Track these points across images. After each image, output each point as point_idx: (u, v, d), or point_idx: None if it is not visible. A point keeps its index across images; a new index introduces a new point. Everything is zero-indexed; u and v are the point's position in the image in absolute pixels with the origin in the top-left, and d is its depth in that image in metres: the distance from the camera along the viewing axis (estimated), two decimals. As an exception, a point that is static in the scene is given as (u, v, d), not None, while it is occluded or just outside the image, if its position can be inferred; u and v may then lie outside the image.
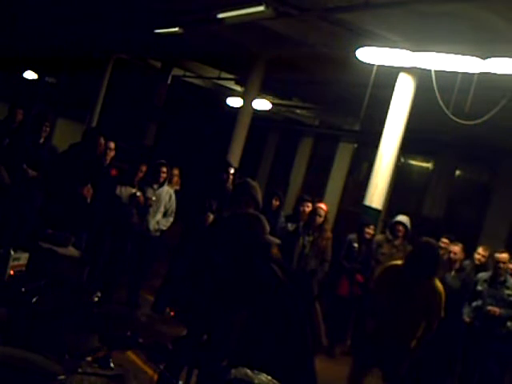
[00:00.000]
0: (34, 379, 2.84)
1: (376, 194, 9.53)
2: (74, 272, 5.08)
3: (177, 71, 17.32)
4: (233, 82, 16.15)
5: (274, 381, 2.79)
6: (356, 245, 9.04)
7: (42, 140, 8.03)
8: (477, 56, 7.75)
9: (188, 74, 17.27)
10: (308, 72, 12.28)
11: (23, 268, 4.29)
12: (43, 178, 7.57)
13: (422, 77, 9.14)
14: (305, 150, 18.57)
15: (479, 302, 7.94)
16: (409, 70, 9.28)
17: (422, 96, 9.19)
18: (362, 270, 8.83)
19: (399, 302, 5.91)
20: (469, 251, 8.63)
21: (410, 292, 5.88)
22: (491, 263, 8.23)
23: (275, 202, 8.59)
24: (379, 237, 9.06)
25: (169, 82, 17.60)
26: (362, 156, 16.23)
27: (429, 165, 14.83)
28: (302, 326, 3.30)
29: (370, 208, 9.56)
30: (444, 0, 7.11)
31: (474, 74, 8.12)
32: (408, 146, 10.42)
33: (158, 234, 8.50)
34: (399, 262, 6.16)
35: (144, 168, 8.33)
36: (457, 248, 8.26)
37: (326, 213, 8.51)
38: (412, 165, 15.28)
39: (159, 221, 8.45)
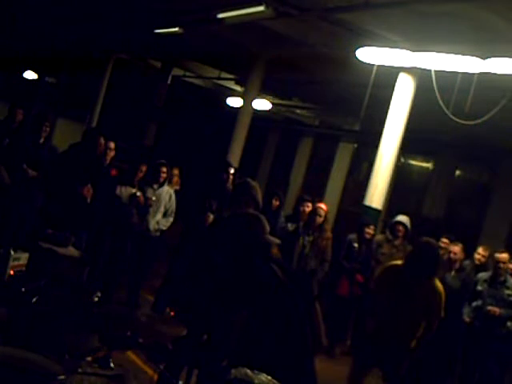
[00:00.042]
0: (34, 379, 2.84)
1: (376, 194, 9.53)
2: (74, 272, 5.08)
3: (177, 71, 17.32)
4: (233, 82, 16.15)
5: (274, 381, 2.79)
6: (356, 245, 9.04)
7: (42, 140, 8.02)
8: (477, 56, 7.75)
9: (188, 73, 17.27)
10: (308, 72, 12.28)
11: (23, 268, 4.29)
12: (43, 178, 7.57)
13: (422, 77, 9.14)
14: (305, 150, 18.57)
15: (479, 302, 7.94)
16: (409, 70, 9.28)
17: (422, 96, 9.19)
18: (362, 270, 8.83)
19: (399, 301, 5.91)
20: (469, 251, 8.63)
21: (410, 292, 5.88)
22: (491, 263, 8.23)
23: (275, 202, 8.59)
24: (379, 237, 9.06)
25: (169, 82, 17.60)
26: (362, 156, 16.22)
27: (429, 165, 14.83)
28: (302, 326, 3.30)
29: (369, 208, 9.56)
30: (444, 0, 7.11)
31: (474, 73, 8.12)
32: (408, 146, 10.42)
33: (157, 233, 8.50)
34: (399, 262, 6.16)
35: (144, 168, 8.33)
36: (457, 248, 8.26)
37: (326, 213, 8.52)
38: (412, 165, 15.28)
39: (159, 221, 8.44)
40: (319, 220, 8.37)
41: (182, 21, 11.02)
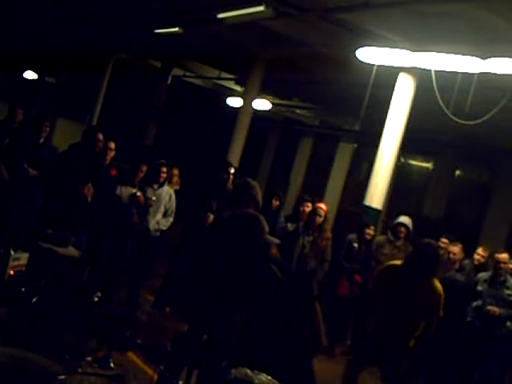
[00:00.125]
0: (34, 379, 2.84)
1: (376, 194, 9.52)
2: (74, 272, 5.07)
3: (177, 71, 17.32)
4: (233, 82, 16.15)
5: (274, 381, 2.79)
6: (356, 245, 9.05)
7: (42, 140, 8.02)
8: (477, 56, 7.74)
9: (188, 73, 17.27)
10: (308, 72, 12.28)
11: (23, 268, 4.29)
12: (43, 178, 7.56)
13: (422, 77, 9.14)
14: (305, 150, 18.56)
15: (479, 302, 7.94)
16: (409, 70, 9.28)
17: (422, 96, 9.19)
18: (362, 271, 8.83)
19: (398, 301, 5.93)
20: (469, 251, 8.63)
21: (410, 292, 5.89)
22: (491, 263, 8.23)
23: (275, 202, 8.59)
24: (380, 238, 9.06)
25: (169, 82, 17.60)
26: (362, 156, 16.22)
27: (429, 165, 14.83)
28: (302, 326, 3.30)
29: (370, 208, 9.55)
30: (444, 0, 7.11)
31: (474, 73, 8.12)
32: (408, 146, 10.42)
33: (157, 233, 8.50)
34: (398, 262, 6.19)
35: (144, 168, 8.33)
36: (456, 248, 8.26)
37: (326, 213, 8.52)
38: (412, 165, 15.28)
39: (159, 221, 8.44)
40: (319, 220, 8.37)
41: (182, 21, 11.02)
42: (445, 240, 8.66)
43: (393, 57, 8.78)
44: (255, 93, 12.81)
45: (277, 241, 3.50)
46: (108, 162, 8.07)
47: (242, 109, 12.80)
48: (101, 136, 7.82)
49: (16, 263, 4.21)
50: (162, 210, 8.44)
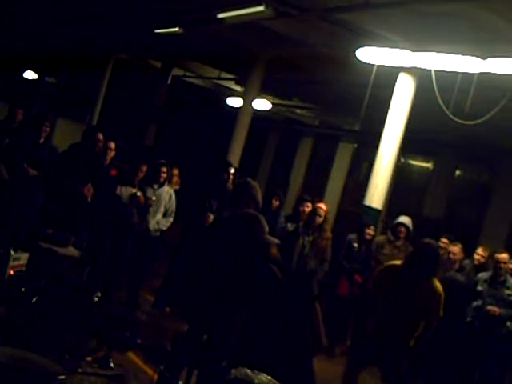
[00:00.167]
0: (34, 379, 2.84)
1: (376, 194, 9.52)
2: (74, 272, 5.08)
3: (177, 71, 17.32)
4: (233, 82, 16.15)
5: (274, 381, 2.79)
6: (356, 245, 9.05)
7: (42, 140, 8.01)
8: (477, 56, 7.74)
9: (188, 73, 17.27)
10: (308, 72, 12.28)
11: (23, 268, 4.29)
12: (43, 178, 7.56)
13: (422, 77, 9.14)
14: (305, 150, 18.56)
15: (479, 302, 7.94)
16: (409, 70, 9.28)
17: (422, 96, 9.19)
18: (362, 271, 8.83)
19: (398, 301, 5.93)
20: (469, 251, 8.63)
21: (410, 292, 5.90)
22: (491, 263, 8.23)
23: (275, 202, 8.59)
24: (381, 238, 9.06)
25: (169, 82, 17.60)
26: (362, 156, 16.22)
27: (429, 165, 14.83)
28: (302, 326, 3.30)
29: (370, 208, 9.55)
30: (444, 0, 7.11)
31: (474, 73, 8.12)
32: (408, 146, 10.42)
33: (157, 233, 8.50)
34: (397, 262, 6.20)
35: (144, 168, 8.33)
36: (456, 248, 8.26)
37: (326, 213, 8.51)
38: (412, 165, 15.28)
39: (159, 221, 8.44)
40: (319, 220, 8.37)
41: (182, 21, 11.02)
42: (445, 240, 8.66)
43: (393, 57, 8.78)
44: (255, 93, 12.81)
45: (277, 241, 3.50)
46: (108, 162, 8.08)
47: (242, 109, 12.80)
48: (101, 136, 7.82)
49: (16, 263, 4.21)
50: (161, 209, 8.44)
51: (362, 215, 9.75)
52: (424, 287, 5.91)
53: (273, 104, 16.48)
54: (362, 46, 8.77)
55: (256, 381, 2.73)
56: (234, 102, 16.10)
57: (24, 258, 4.31)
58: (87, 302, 3.96)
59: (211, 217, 7.68)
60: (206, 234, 5.88)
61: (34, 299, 3.71)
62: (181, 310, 4.55)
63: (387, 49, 8.70)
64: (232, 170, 8.46)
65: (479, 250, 8.47)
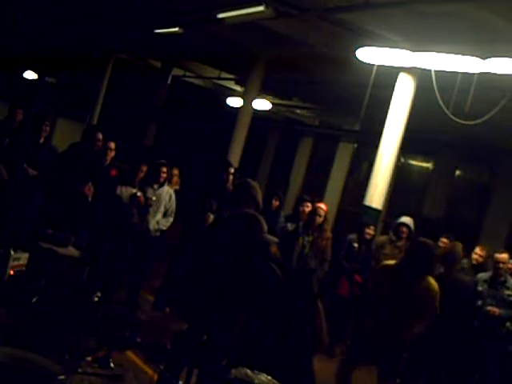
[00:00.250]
0: (34, 379, 2.84)
1: (376, 194, 9.53)
2: (74, 272, 5.07)
3: (177, 71, 17.32)
4: (233, 82, 16.15)
5: (274, 381, 2.79)
6: (356, 245, 9.05)
7: (41, 140, 8.01)
8: (477, 56, 7.74)
9: (188, 73, 17.27)
10: (308, 72, 12.28)
11: (23, 268, 4.28)
12: (43, 178, 7.56)
13: (422, 77, 9.14)
14: (305, 150, 18.56)
15: (479, 302, 7.94)
16: (409, 70, 9.28)
17: (422, 96, 9.19)
18: (361, 271, 8.83)
19: (396, 300, 5.97)
20: (469, 251, 8.63)
21: (407, 290, 5.95)
22: (491, 263, 8.23)
23: (275, 202, 8.58)
24: (382, 238, 9.06)
25: (169, 82, 17.60)
26: (362, 156, 16.22)
27: (429, 165, 14.83)
28: (302, 325, 3.30)
29: (370, 208, 9.55)
30: (444, 0, 7.11)
31: (474, 73, 8.12)
32: (408, 146, 10.42)
33: (157, 233, 8.50)
34: (392, 262, 6.28)
35: (144, 168, 8.33)
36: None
37: (326, 213, 8.51)
38: (412, 165, 15.29)
39: (159, 221, 8.44)
40: (319, 220, 8.37)
41: (182, 21, 11.02)
42: (444, 240, 8.66)
43: (393, 57, 8.77)
44: (255, 93, 12.81)
45: (276, 239, 3.51)
46: (108, 161, 8.07)
47: (242, 109, 12.80)
48: (100, 135, 7.81)
49: (16, 263, 4.21)
50: (162, 210, 8.44)
51: (362, 215, 9.75)
52: (420, 285, 5.98)
53: (273, 104, 16.48)
54: (361, 46, 8.77)
55: (256, 381, 2.73)
56: (234, 101, 16.10)
57: (24, 258, 4.31)
58: (87, 302, 3.96)
59: (211, 217, 7.68)
60: (206, 234, 5.88)
61: (34, 299, 3.70)
62: (181, 310, 4.55)
63: (387, 49, 8.70)
64: (232, 170, 8.47)
65: (477, 250, 8.47)
